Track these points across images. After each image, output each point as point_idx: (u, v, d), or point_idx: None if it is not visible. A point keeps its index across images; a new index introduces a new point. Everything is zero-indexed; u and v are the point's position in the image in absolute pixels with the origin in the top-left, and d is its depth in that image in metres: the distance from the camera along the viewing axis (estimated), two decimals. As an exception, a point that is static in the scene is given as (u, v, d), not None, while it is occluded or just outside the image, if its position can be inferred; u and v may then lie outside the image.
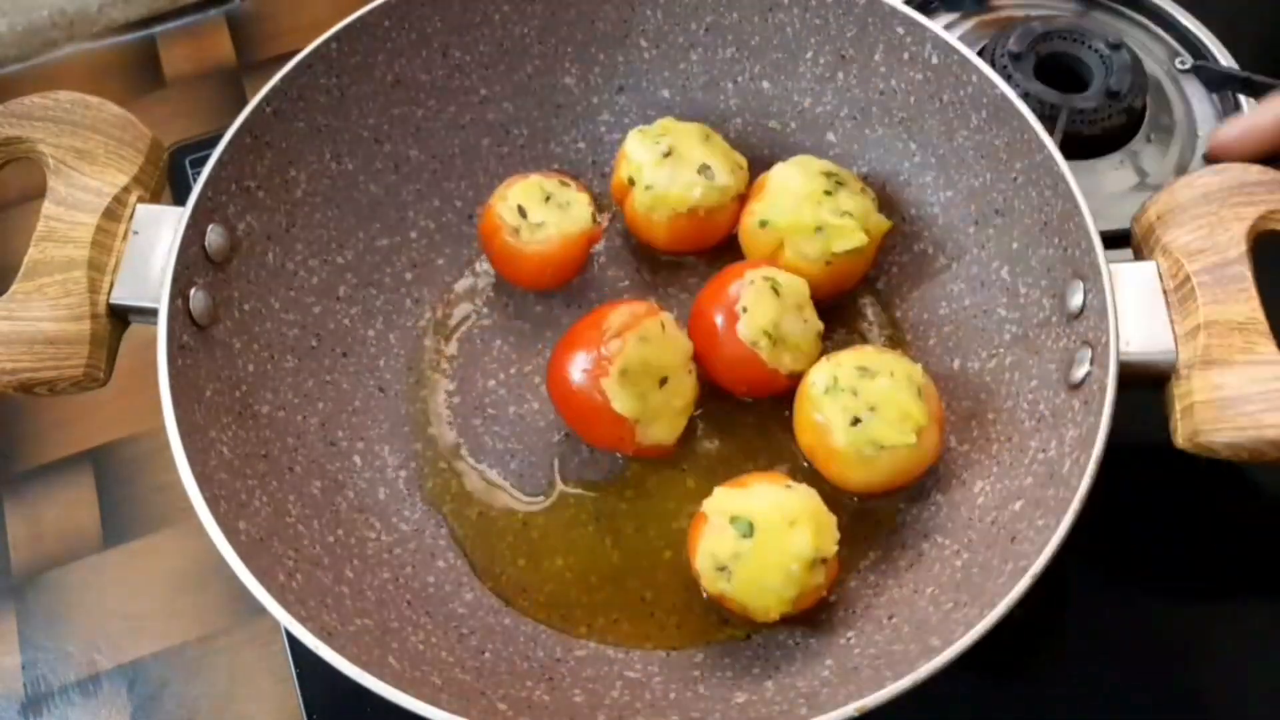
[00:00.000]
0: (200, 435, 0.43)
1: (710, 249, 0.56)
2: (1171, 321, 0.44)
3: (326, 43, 0.51)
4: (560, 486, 0.51)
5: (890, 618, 0.45)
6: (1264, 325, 0.43)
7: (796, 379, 0.49)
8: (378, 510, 0.49)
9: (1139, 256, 0.48)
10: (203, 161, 0.46)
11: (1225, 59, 0.64)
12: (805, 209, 0.51)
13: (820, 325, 0.51)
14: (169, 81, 0.71)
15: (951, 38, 0.51)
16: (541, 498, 0.51)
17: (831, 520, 0.45)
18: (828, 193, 0.51)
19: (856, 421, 0.46)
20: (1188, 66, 0.65)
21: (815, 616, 0.47)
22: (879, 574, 0.48)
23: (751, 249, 0.53)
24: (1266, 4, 0.68)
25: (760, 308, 0.48)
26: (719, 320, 0.50)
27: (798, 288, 0.50)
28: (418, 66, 0.55)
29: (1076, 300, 0.46)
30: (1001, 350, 0.51)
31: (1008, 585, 0.40)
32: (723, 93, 0.58)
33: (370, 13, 0.52)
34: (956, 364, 0.52)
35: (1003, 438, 0.48)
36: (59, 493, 0.56)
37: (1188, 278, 0.44)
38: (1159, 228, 0.47)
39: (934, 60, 0.52)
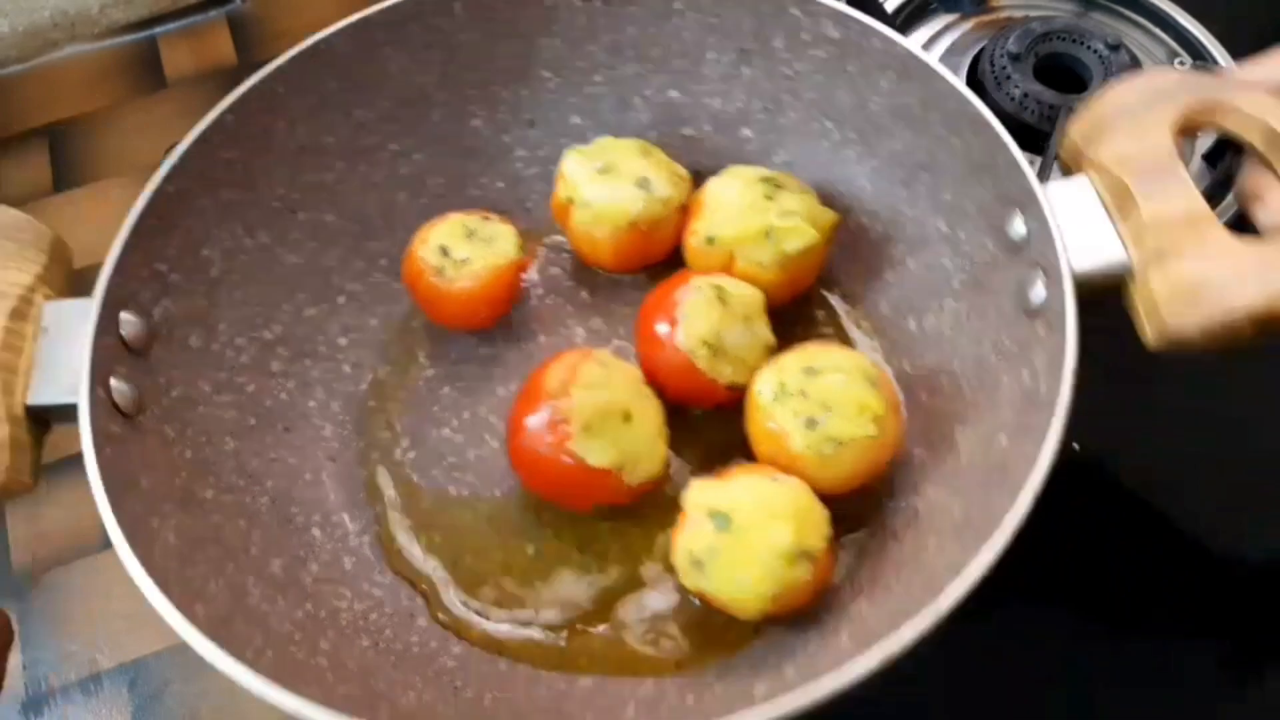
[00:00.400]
0: (141, 524, 0.40)
1: (658, 264, 0.54)
2: (1117, 229, 0.43)
3: (221, 115, 0.49)
4: (538, 524, 0.48)
5: (898, 577, 0.43)
6: (1209, 214, 0.42)
7: (738, 391, 0.47)
8: (346, 580, 0.46)
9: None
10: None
11: (1225, 59, 0.65)
12: (750, 217, 0.50)
13: (772, 339, 0.49)
14: (170, 82, 0.71)
15: (844, 6, 0.51)
16: (519, 539, 0.48)
17: (821, 514, 0.43)
18: (768, 197, 0.50)
19: (813, 423, 0.44)
20: (1187, 67, 0.65)
21: (821, 597, 0.44)
22: (877, 541, 0.46)
23: (700, 267, 0.52)
24: (1266, 4, 0.69)
25: (700, 315, 0.47)
26: (661, 328, 0.48)
27: (748, 298, 0.48)
28: (320, 129, 0.53)
29: (1018, 229, 0.45)
30: (953, 300, 0.50)
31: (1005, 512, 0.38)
32: (633, 109, 0.58)
33: (262, 81, 0.51)
34: (913, 324, 0.51)
35: (974, 382, 0.47)
36: (59, 493, 0.53)
37: (1123, 184, 0.44)
38: (1084, 146, 0.46)
39: (834, 34, 0.52)
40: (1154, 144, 0.45)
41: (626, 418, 0.45)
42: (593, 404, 0.45)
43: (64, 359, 0.43)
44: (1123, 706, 0.46)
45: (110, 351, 0.43)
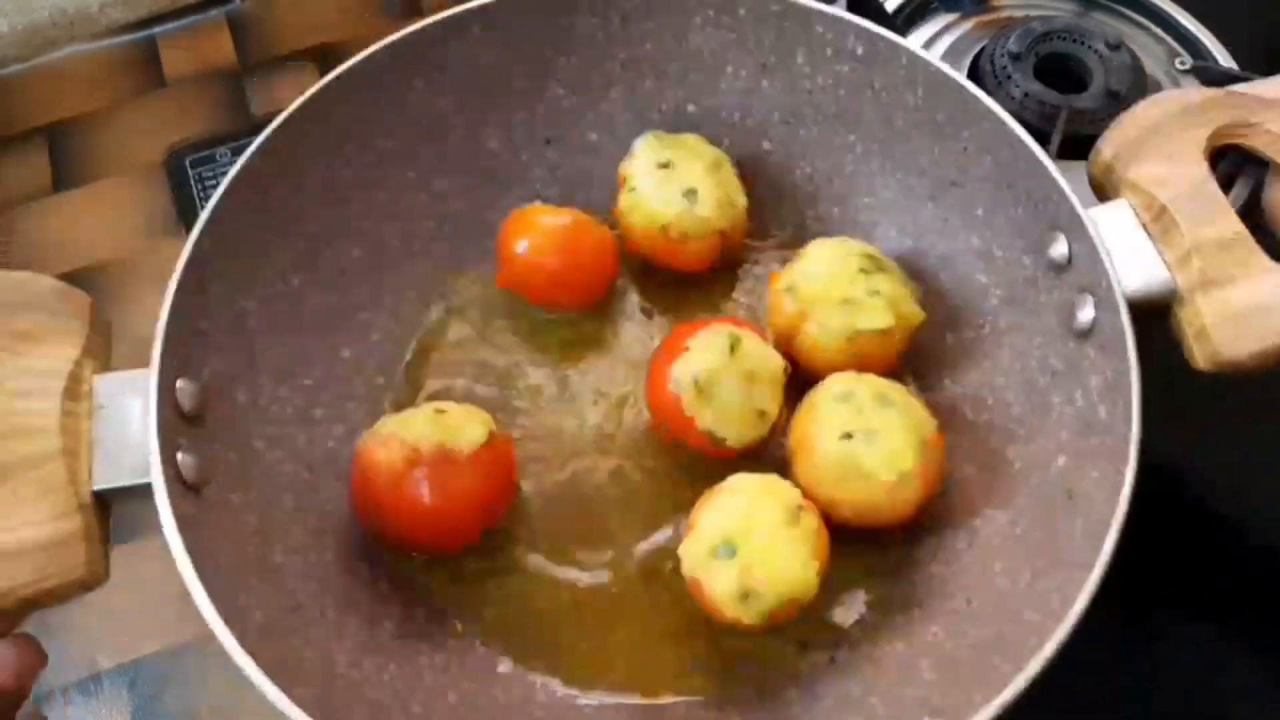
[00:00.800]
0: (233, 606, 0.39)
1: (687, 271, 0.55)
2: (1160, 252, 0.45)
3: (251, 159, 0.47)
4: (595, 555, 0.49)
5: (969, 602, 0.45)
6: (1249, 238, 0.44)
7: (717, 443, 0.48)
8: (422, 634, 0.46)
9: (1103, 198, 0.49)
10: (203, 162, 0.44)
11: (1225, 59, 0.66)
12: (836, 280, 0.49)
13: (771, 411, 0.48)
14: (169, 82, 0.70)
15: (871, 24, 0.52)
16: (579, 572, 0.49)
17: (780, 483, 0.45)
18: (863, 271, 0.49)
19: (848, 436, 0.45)
20: (1188, 67, 0.66)
21: (890, 618, 0.46)
22: (940, 562, 0.47)
23: (774, 313, 0.51)
24: (1266, 4, 0.70)
25: (702, 353, 0.47)
26: (666, 356, 0.48)
27: (763, 360, 0.48)
28: (341, 163, 0.52)
29: (1059, 251, 0.47)
30: (992, 316, 0.51)
31: (1088, 544, 0.40)
32: (649, 124, 0.57)
33: (289, 119, 0.49)
34: (950, 339, 0.52)
35: (1020, 400, 0.49)
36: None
37: (1164, 208, 0.45)
38: (1118, 166, 0.48)
39: (859, 50, 0.52)
40: (1188, 165, 0.46)
41: (441, 411, 0.47)
42: (432, 441, 0.45)
43: (124, 436, 0.41)
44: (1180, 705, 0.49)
45: (172, 424, 0.42)
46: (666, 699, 0.46)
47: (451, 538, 0.47)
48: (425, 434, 0.45)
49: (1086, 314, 0.45)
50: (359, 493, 0.46)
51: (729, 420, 0.48)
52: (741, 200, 0.54)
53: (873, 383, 0.47)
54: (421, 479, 0.45)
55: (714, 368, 0.47)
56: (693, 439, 0.48)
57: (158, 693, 0.50)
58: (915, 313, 0.50)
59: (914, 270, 0.54)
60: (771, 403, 0.48)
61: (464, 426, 0.46)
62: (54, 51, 0.71)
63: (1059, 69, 0.64)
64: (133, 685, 0.51)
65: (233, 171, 0.47)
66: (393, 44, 0.51)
